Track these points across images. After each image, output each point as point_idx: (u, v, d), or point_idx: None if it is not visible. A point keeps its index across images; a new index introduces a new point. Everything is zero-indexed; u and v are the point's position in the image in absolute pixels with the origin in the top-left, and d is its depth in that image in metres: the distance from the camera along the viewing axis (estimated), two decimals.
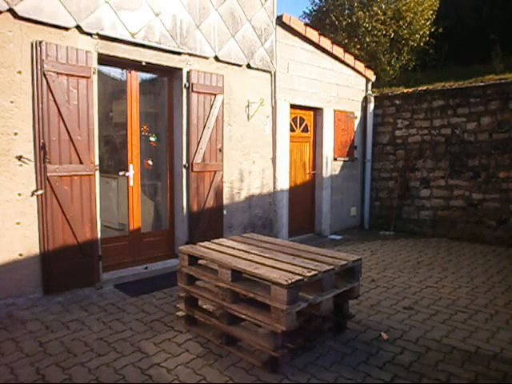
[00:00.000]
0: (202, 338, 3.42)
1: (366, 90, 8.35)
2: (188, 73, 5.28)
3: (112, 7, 4.50)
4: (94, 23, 4.38)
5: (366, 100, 8.34)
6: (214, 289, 3.37)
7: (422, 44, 10.75)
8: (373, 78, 8.41)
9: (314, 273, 2.98)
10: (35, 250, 4.14)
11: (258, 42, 6.08)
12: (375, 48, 10.44)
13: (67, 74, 4.20)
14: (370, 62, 9.91)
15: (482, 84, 7.06)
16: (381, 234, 7.86)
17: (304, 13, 12.88)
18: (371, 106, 8.30)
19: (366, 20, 10.31)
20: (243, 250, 3.58)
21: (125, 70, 5.01)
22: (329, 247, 6.37)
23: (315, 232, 7.65)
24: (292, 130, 7.04)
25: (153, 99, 5.61)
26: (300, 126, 7.29)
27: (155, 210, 5.76)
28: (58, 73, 4.13)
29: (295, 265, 3.15)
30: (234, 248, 3.64)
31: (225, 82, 5.67)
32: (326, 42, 7.20)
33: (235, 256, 3.40)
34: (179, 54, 5.19)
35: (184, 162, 5.38)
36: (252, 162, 6.24)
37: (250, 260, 3.28)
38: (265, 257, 3.39)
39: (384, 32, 10.42)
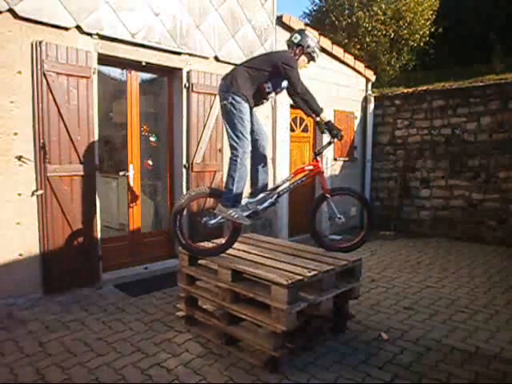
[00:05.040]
0: (202, 337, 3.42)
1: (366, 90, 8.34)
2: (188, 73, 5.28)
3: (112, 7, 4.50)
4: (94, 23, 4.38)
5: (366, 100, 8.33)
6: (214, 289, 3.37)
7: (421, 44, 10.75)
8: (373, 78, 8.40)
9: (314, 273, 2.98)
10: (35, 250, 4.13)
11: (257, 42, 6.07)
12: (375, 48, 10.45)
13: (67, 74, 4.20)
14: (370, 62, 9.90)
15: (481, 84, 7.06)
16: (381, 234, 7.85)
17: (304, 13, 12.92)
18: (371, 106, 8.30)
19: (366, 20, 10.31)
20: (243, 250, 3.59)
21: (125, 70, 5.01)
22: None
23: None
24: (292, 129, 7.04)
25: (153, 99, 5.60)
26: (300, 125, 7.28)
27: (155, 210, 5.76)
28: (57, 73, 4.13)
29: (295, 265, 3.15)
30: (233, 248, 3.64)
31: None
32: (325, 42, 7.19)
33: (235, 256, 3.40)
34: (179, 54, 5.18)
35: (184, 162, 5.38)
36: None
37: (249, 260, 3.28)
38: (265, 257, 3.39)
39: (384, 32, 10.42)
